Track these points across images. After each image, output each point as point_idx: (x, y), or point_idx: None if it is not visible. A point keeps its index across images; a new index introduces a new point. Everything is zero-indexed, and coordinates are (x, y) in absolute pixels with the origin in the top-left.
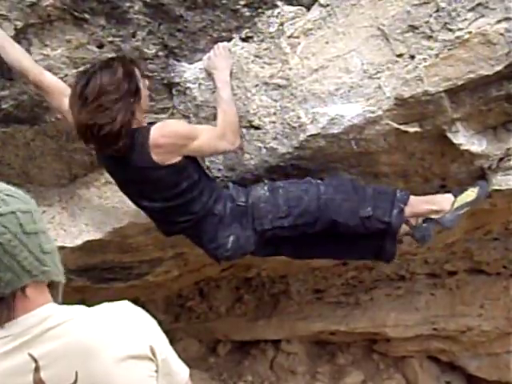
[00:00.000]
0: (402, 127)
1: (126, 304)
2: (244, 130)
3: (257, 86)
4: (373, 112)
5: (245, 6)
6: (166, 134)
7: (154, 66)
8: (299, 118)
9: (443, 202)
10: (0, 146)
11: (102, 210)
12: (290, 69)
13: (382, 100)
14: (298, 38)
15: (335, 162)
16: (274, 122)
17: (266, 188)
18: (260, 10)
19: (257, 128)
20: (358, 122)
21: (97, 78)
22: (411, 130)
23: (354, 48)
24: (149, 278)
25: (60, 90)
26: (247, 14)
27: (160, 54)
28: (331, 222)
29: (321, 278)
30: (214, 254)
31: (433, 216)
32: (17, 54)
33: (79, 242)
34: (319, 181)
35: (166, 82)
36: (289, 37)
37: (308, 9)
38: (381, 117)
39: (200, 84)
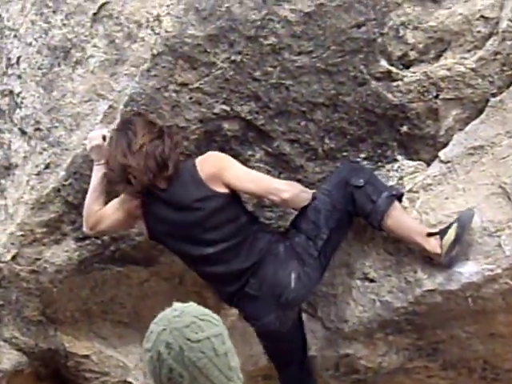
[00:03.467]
0: None
1: None
2: (358, 282)
3: (373, 239)
4: (491, 270)
5: (365, 158)
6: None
7: (271, 213)
8: (415, 272)
9: (432, 243)
10: (114, 285)
11: None
12: None
13: (502, 258)
14: (417, 192)
15: (450, 320)
16: (389, 276)
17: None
18: (380, 164)
19: (372, 281)
20: (476, 279)
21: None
22: None
23: (474, 205)
24: None
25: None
26: (367, 166)
27: None
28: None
29: None
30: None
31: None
32: (95, 203)
33: None
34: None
35: (282, 229)
36: (408, 191)
37: (428, 164)
38: (500, 275)
39: None
